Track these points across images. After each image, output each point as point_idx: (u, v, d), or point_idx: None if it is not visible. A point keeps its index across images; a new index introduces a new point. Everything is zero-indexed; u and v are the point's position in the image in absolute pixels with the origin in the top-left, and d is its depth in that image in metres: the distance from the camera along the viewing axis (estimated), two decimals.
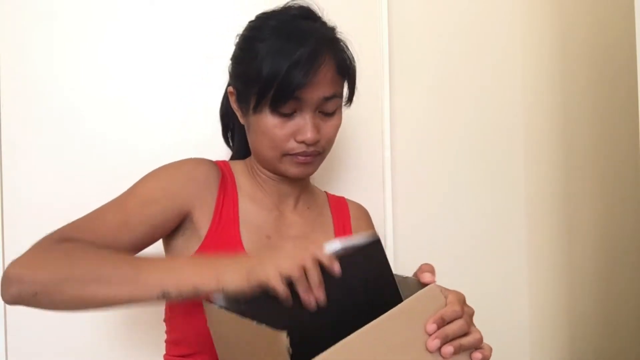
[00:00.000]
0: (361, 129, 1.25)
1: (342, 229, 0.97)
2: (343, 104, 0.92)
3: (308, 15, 0.88)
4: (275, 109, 0.82)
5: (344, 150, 1.25)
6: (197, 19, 1.18)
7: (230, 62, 0.92)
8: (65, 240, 0.74)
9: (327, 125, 0.87)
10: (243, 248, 0.85)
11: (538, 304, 1.36)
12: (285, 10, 0.87)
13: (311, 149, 0.85)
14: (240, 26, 0.91)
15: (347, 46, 0.90)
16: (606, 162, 1.41)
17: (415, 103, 1.29)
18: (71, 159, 1.13)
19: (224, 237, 0.85)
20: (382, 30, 1.25)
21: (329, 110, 0.86)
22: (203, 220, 0.86)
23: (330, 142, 0.89)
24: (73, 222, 0.79)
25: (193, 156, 1.07)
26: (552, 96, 1.38)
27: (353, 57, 0.91)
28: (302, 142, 0.84)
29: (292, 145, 0.85)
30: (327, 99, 0.84)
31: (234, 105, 0.91)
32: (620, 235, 1.42)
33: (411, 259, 1.28)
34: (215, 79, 1.13)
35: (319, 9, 0.90)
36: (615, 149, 1.41)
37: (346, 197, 1.05)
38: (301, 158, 0.86)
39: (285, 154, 0.86)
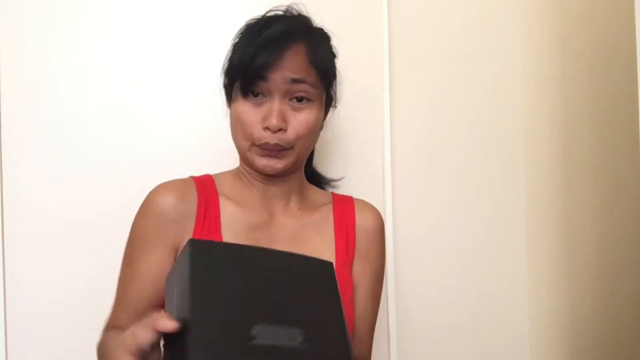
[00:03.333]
0: (361, 129, 1.25)
1: (344, 236, 0.93)
2: (328, 106, 0.92)
3: (291, 12, 0.91)
4: (245, 92, 0.84)
5: (344, 150, 1.25)
6: (198, 19, 1.18)
7: None
8: (112, 329, 0.85)
9: (297, 118, 0.85)
10: None
11: (538, 305, 1.36)
12: (268, 12, 0.91)
13: (275, 140, 0.84)
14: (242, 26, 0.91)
15: (328, 42, 0.91)
16: (606, 164, 1.41)
17: (415, 103, 1.29)
18: (71, 159, 1.13)
19: None
20: (382, 30, 1.25)
21: (299, 95, 0.85)
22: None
23: (300, 137, 0.86)
24: (113, 306, 0.88)
25: (194, 156, 1.07)
26: (553, 97, 1.38)
27: (333, 55, 0.91)
28: (267, 128, 0.83)
29: (260, 134, 0.84)
30: (295, 81, 0.83)
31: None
32: (620, 237, 1.42)
33: (411, 259, 1.28)
34: (215, 79, 1.13)
35: (307, 12, 0.92)
36: (616, 151, 1.41)
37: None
38: (266, 150, 0.85)
39: (253, 144, 0.85)
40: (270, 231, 0.90)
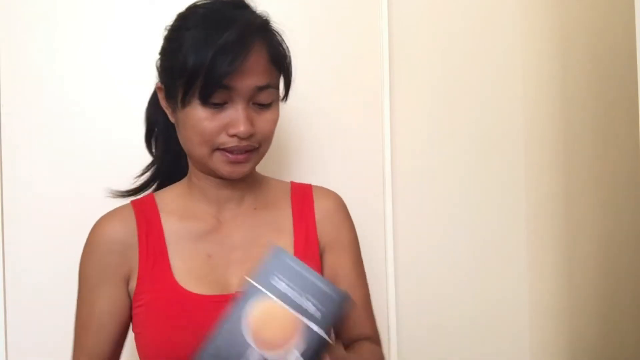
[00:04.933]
0: (361, 128, 1.25)
1: (304, 231, 0.89)
2: (280, 98, 0.86)
3: (240, 5, 0.83)
4: (205, 100, 0.76)
5: (344, 150, 1.25)
6: None
7: (158, 56, 0.86)
8: None
9: (263, 119, 0.80)
10: (175, 281, 0.81)
11: (538, 305, 1.36)
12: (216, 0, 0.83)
13: (244, 143, 0.79)
14: None
15: (282, 37, 0.84)
16: (607, 165, 1.41)
17: (416, 103, 1.29)
18: (71, 159, 1.13)
19: (155, 275, 0.82)
20: (382, 30, 1.25)
21: (264, 101, 0.80)
22: (134, 272, 0.84)
23: (267, 138, 0.82)
24: (74, 344, 0.86)
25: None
26: (553, 97, 1.38)
27: (288, 49, 0.85)
28: (235, 135, 0.78)
29: (224, 139, 0.78)
30: (260, 89, 0.78)
31: (162, 102, 0.86)
32: (620, 237, 1.42)
33: (411, 259, 1.28)
34: None
35: (254, 1, 0.86)
36: (616, 151, 1.41)
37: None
38: (232, 156, 0.79)
39: (216, 149, 0.79)
40: (224, 240, 0.86)
